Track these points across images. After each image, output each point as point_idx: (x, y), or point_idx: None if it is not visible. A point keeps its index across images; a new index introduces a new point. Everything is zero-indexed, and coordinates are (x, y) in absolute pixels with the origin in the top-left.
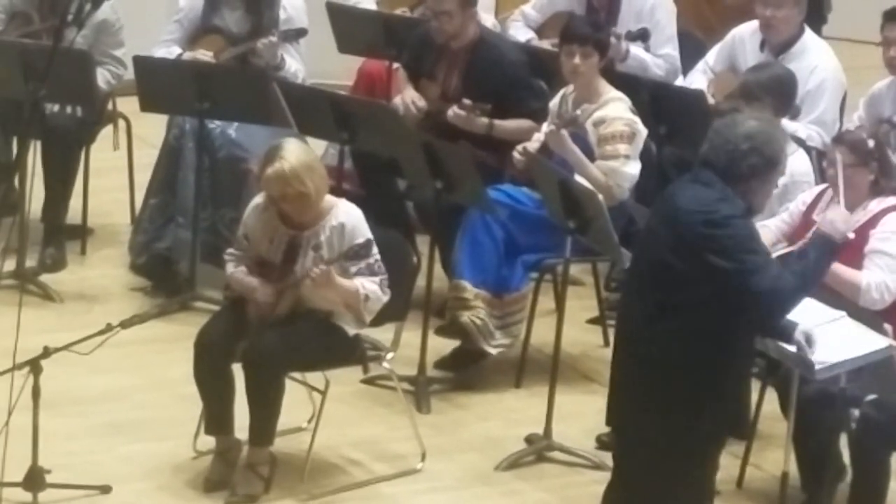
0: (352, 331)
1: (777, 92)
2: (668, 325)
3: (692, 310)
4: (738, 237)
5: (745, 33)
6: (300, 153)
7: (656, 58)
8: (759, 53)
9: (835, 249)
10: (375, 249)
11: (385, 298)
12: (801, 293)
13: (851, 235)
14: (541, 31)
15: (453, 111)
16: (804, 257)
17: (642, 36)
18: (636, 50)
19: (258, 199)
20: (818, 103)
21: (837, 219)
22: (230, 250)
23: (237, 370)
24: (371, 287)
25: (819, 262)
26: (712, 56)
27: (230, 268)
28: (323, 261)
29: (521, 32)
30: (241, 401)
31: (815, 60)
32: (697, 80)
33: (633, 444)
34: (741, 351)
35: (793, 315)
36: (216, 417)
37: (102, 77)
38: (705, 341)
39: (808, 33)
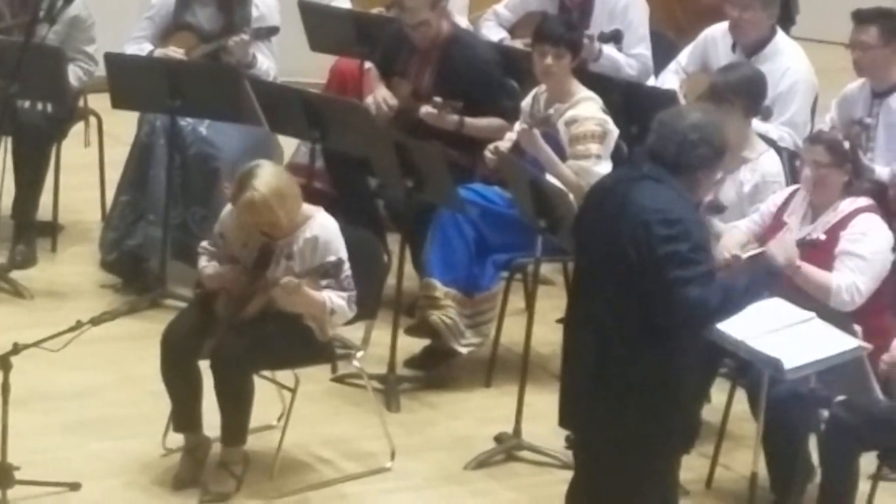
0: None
1: (746, 93)
2: (620, 323)
3: (643, 305)
4: (689, 241)
5: (717, 34)
6: (272, 182)
7: (629, 58)
8: (731, 54)
9: (770, 279)
10: (347, 266)
11: (350, 315)
12: (722, 313)
13: (822, 237)
14: (513, 30)
15: (425, 109)
16: (737, 278)
17: (615, 37)
18: (609, 50)
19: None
20: (789, 105)
21: (780, 251)
22: (204, 244)
23: (205, 368)
24: (338, 302)
25: (749, 287)
26: (684, 56)
27: (203, 261)
28: (294, 273)
29: (493, 32)
30: (211, 398)
31: (787, 62)
32: (669, 80)
33: (590, 445)
34: (687, 350)
35: (765, 315)
36: (184, 414)
37: (74, 74)
38: (653, 338)
39: (780, 35)
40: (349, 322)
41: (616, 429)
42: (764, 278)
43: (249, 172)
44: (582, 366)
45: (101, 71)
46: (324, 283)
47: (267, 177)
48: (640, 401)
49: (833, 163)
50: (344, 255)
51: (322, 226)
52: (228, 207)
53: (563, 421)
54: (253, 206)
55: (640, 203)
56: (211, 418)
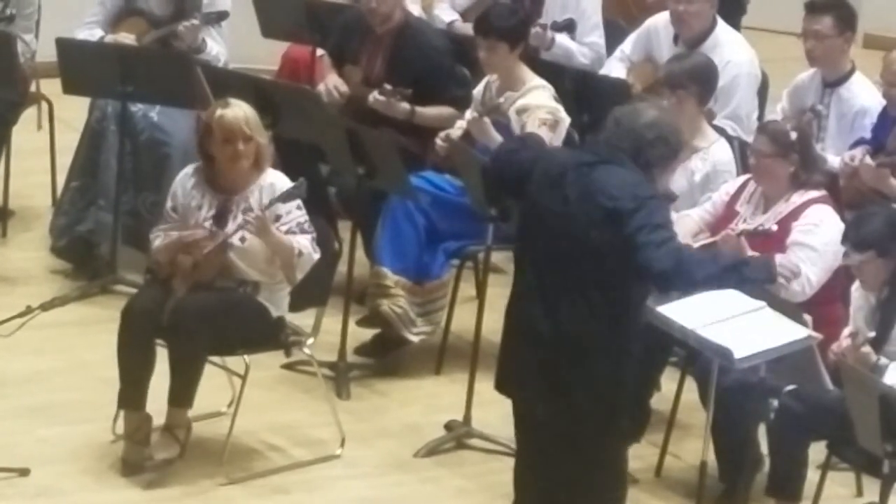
0: (276, 312)
1: (700, 80)
2: (574, 305)
3: (599, 286)
4: (659, 214)
5: (660, 25)
6: (253, 111)
7: (582, 46)
8: (673, 46)
9: (758, 279)
10: (303, 209)
11: (316, 256)
12: (696, 274)
13: (774, 227)
14: (465, 14)
15: (374, 96)
16: (729, 261)
17: (568, 27)
18: (562, 39)
19: (186, 169)
20: (731, 98)
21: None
22: (157, 228)
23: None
24: (304, 242)
25: (729, 272)
26: (629, 45)
27: (156, 244)
28: (259, 207)
29: (445, 13)
30: (157, 381)
31: (728, 55)
32: (615, 68)
33: (539, 427)
34: (637, 333)
35: (715, 304)
36: (131, 390)
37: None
38: (605, 319)
39: (721, 27)
40: (296, 308)
41: (566, 411)
42: (745, 275)
43: (228, 100)
44: (532, 346)
45: (52, 56)
46: (284, 228)
47: (250, 107)
48: (591, 383)
49: (775, 153)
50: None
51: (275, 175)
52: (179, 178)
53: (504, 388)
54: (241, 118)
55: (603, 186)
56: (154, 405)
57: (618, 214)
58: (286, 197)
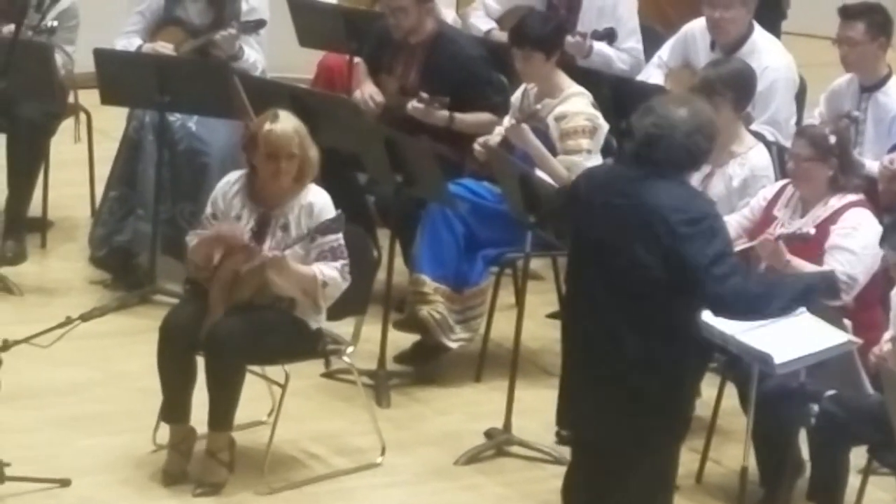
0: (314, 324)
1: (737, 86)
2: (626, 322)
3: (653, 303)
4: (718, 237)
5: (697, 31)
6: (302, 124)
7: (620, 52)
8: (710, 52)
9: (818, 296)
10: (341, 235)
11: (345, 285)
12: (763, 301)
13: (812, 231)
14: (500, 21)
15: (412, 105)
16: (789, 280)
17: (609, 36)
18: (600, 46)
19: (228, 176)
20: (770, 104)
21: (766, 254)
22: (194, 231)
23: (199, 360)
24: (330, 273)
25: (797, 295)
26: (666, 51)
27: (192, 243)
28: (290, 239)
29: (481, 21)
30: (198, 394)
31: (766, 60)
32: (653, 74)
33: (594, 441)
34: (693, 348)
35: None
36: (174, 405)
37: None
38: (661, 336)
39: (758, 32)
40: (336, 317)
41: (624, 427)
42: (812, 291)
43: (277, 112)
44: (587, 366)
45: (90, 67)
46: (315, 252)
47: (297, 120)
48: (648, 398)
49: (815, 156)
50: (343, 213)
51: (316, 193)
52: (220, 185)
53: (564, 420)
54: (287, 134)
55: (655, 203)
56: (197, 413)
57: (672, 238)
58: (324, 230)
